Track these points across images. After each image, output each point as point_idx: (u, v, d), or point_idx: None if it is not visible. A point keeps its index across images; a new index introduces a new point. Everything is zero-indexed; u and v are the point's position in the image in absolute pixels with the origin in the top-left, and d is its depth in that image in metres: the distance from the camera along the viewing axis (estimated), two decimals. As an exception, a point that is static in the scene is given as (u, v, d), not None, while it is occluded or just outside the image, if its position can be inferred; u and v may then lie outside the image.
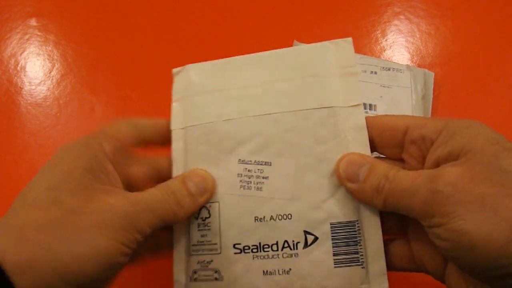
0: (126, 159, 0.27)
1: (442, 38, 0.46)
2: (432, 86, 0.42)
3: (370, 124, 0.26)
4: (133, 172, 0.27)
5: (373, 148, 0.27)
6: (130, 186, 0.26)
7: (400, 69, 0.42)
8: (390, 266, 0.26)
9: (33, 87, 0.45)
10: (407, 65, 0.43)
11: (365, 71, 0.42)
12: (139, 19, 0.48)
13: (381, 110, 0.40)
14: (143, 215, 0.23)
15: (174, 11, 0.48)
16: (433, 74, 0.43)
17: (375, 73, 0.42)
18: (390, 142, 0.26)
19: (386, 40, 0.46)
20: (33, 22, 0.48)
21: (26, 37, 0.48)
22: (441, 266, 0.25)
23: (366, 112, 0.39)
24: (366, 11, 0.48)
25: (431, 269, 0.25)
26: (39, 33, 0.48)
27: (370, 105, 0.40)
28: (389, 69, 0.42)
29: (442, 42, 0.46)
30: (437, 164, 0.23)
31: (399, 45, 0.46)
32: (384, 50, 0.46)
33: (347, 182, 0.25)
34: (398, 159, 0.27)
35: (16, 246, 0.20)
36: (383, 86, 0.41)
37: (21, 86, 0.45)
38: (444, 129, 0.23)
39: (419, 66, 0.45)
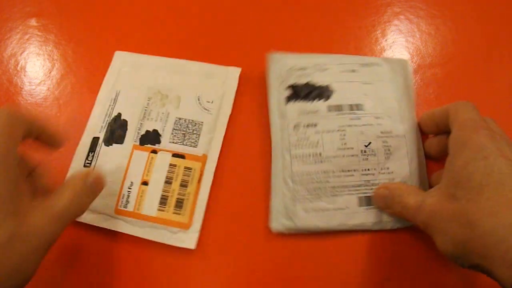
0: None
1: (442, 38, 0.46)
2: (412, 75, 0.42)
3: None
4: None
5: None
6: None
7: (378, 63, 0.41)
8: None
9: (33, 87, 0.45)
10: (383, 58, 0.42)
11: (344, 71, 0.41)
12: (140, 19, 0.48)
13: (369, 107, 0.39)
14: (64, 225, 0.27)
15: (174, 12, 0.48)
16: (408, 60, 0.43)
17: (354, 71, 0.41)
18: (435, 128, 0.37)
19: (386, 40, 0.46)
20: (33, 22, 0.48)
21: (26, 37, 0.48)
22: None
23: (354, 113, 0.38)
24: (366, 11, 0.48)
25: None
26: (39, 33, 0.48)
27: (358, 105, 0.39)
28: (367, 65, 0.41)
29: (442, 42, 0.46)
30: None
31: (399, 45, 0.46)
32: (384, 50, 0.46)
33: (382, 209, 0.36)
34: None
35: None
36: (366, 83, 0.40)
37: (21, 86, 0.45)
38: (449, 114, 0.33)
39: (419, 66, 0.45)
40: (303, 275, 0.36)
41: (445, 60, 0.45)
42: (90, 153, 0.39)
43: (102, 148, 0.39)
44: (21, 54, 0.47)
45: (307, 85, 0.39)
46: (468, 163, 0.28)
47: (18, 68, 0.46)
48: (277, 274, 0.36)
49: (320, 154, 0.36)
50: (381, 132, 0.37)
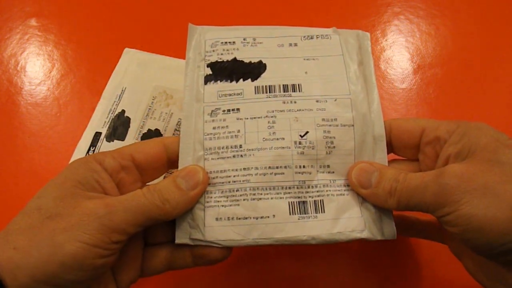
0: (137, 175, 0.28)
1: (442, 38, 0.46)
2: (370, 49, 0.33)
3: (388, 128, 0.29)
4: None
5: (390, 149, 0.29)
6: None
7: (326, 35, 0.33)
8: (419, 234, 0.33)
9: (33, 87, 0.45)
10: (334, 28, 0.34)
11: (282, 45, 0.33)
12: (139, 19, 0.48)
13: (309, 88, 0.30)
14: (120, 215, 0.23)
15: (174, 13, 0.48)
16: (368, 34, 0.34)
17: (295, 45, 0.33)
18: (407, 144, 0.29)
19: (386, 40, 0.46)
20: (33, 22, 0.48)
21: (26, 37, 0.48)
22: (458, 246, 0.28)
23: (289, 95, 0.30)
24: (366, 11, 0.48)
25: (451, 248, 0.29)
26: (39, 33, 0.48)
27: (294, 86, 0.31)
28: (311, 37, 0.33)
29: (442, 42, 0.46)
30: (447, 161, 0.26)
31: (399, 45, 0.46)
32: (384, 50, 0.46)
33: (360, 188, 0.28)
34: (413, 160, 0.29)
35: None
36: (308, 59, 0.32)
37: (21, 86, 0.45)
38: (456, 130, 0.26)
39: (419, 66, 0.45)
40: (303, 275, 0.36)
41: (445, 60, 0.45)
42: (91, 147, 0.40)
43: (103, 143, 0.40)
44: (21, 54, 0.47)
45: (233, 62, 0.32)
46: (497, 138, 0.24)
47: (18, 68, 0.46)
48: (276, 272, 0.36)
49: (240, 146, 0.29)
50: (323, 120, 0.29)
